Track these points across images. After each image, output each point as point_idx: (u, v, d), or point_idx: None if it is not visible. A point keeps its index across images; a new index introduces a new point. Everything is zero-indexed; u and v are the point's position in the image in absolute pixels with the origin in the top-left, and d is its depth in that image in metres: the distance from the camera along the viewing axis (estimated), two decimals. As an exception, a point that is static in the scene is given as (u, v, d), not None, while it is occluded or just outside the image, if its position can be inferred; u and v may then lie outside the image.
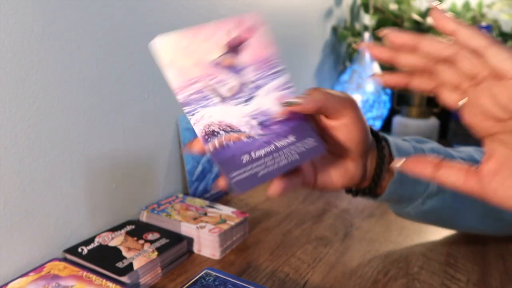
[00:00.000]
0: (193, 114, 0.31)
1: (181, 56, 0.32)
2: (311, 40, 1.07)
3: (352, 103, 0.36)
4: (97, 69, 0.49)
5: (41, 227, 0.45)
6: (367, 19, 1.37)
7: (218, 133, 0.31)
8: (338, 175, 0.38)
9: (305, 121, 0.35)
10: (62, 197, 0.47)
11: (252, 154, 0.31)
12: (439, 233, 0.57)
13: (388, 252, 0.51)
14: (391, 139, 0.43)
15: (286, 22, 0.91)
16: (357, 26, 1.36)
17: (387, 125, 1.20)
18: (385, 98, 1.14)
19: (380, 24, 1.18)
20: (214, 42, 0.33)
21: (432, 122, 1.06)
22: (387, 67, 1.22)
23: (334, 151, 0.37)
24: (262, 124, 0.33)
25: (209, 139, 0.30)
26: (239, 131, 0.32)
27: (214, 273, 0.43)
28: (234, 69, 0.34)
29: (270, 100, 0.35)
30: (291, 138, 0.33)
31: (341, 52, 1.28)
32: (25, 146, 0.42)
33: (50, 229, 0.46)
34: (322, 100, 0.34)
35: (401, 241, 0.54)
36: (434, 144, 0.47)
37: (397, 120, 1.09)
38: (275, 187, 0.33)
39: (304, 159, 0.33)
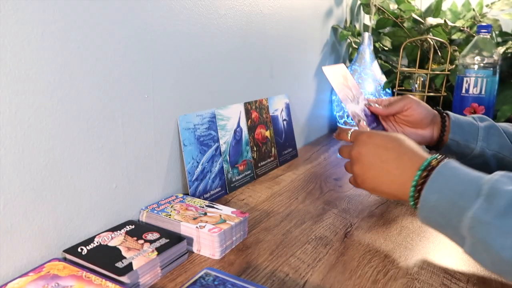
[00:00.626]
0: (346, 104, 0.66)
1: (334, 78, 0.68)
2: (311, 40, 1.07)
3: (409, 102, 0.68)
4: (97, 69, 0.49)
5: (41, 227, 0.45)
6: (367, 19, 1.37)
7: (357, 115, 0.67)
8: (413, 137, 0.67)
9: (377, 117, 0.72)
10: (62, 197, 0.47)
11: (371, 126, 0.69)
12: (439, 233, 0.57)
13: (388, 252, 0.51)
14: (452, 115, 0.70)
15: (286, 22, 0.91)
16: (357, 26, 1.36)
17: (387, 125, 1.19)
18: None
19: (380, 24, 1.19)
20: (340, 73, 0.71)
21: (432, 122, 1.06)
22: (387, 68, 1.22)
23: (410, 124, 0.70)
24: (365, 114, 0.69)
25: (354, 117, 0.65)
26: (361, 117, 0.68)
27: (213, 273, 0.43)
28: (348, 87, 0.70)
29: (363, 104, 0.70)
30: (376, 122, 0.71)
31: (341, 52, 1.28)
32: (25, 146, 0.42)
33: (50, 229, 0.46)
34: (391, 110, 0.70)
35: (401, 241, 0.54)
36: (491, 123, 0.70)
37: (397, 120, 1.09)
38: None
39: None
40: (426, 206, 0.47)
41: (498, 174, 0.45)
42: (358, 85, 0.75)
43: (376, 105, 0.71)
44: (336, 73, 0.70)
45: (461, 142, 0.69)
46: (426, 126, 0.70)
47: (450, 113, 0.71)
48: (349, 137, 0.60)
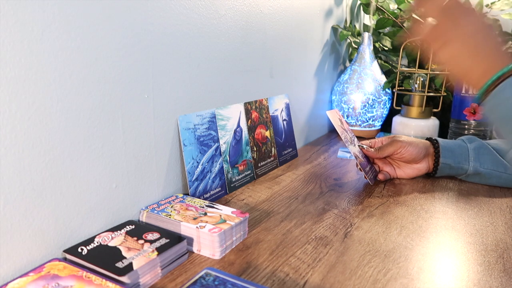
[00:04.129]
0: (348, 146, 0.73)
1: (335, 120, 0.76)
2: (311, 40, 1.07)
3: (399, 147, 0.74)
4: (97, 69, 0.49)
5: (41, 227, 0.45)
6: (367, 19, 1.37)
7: (357, 156, 0.74)
8: (410, 171, 0.78)
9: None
10: (62, 197, 0.47)
11: (367, 167, 0.76)
12: (439, 233, 0.57)
13: (388, 252, 0.51)
14: (441, 140, 0.76)
15: (286, 22, 0.91)
16: (357, 26, 1.36)
17: (387, 125, 1.20)
18: (385, 98, 1.14)
19: (380, 24, 1.19)
20: (337, 117, 0.78)
21: (432, 122, 1.06)
22: (387, 68, 1.22)
23: (404, 162, 0.77)
24: (361, 156, 0.75)
25: (355, 158, 0.72)
26: (359, 157, 0.74)
27: (214, 273, 0.43)
28: (345, 130, 0.77)
29: (357, 145, 0.77)
30: (369, 165, 0.77)
31: (341, 52, 1.28)
32: (25, 146, 0.42)
33: (50, 229, 0.46)
34: (381, 154, 0.76)
35: (401, 241, 0.54)
36: (480, 142, 0.75)
37: (397, 120, 1.09)
38: (382, 176, 0.78)
39: (377, 173, 0.79)
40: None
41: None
42: (350, 128, 0.82)
43: (369, 148, 0.77)
44: (336, 117, 0.77)
45: (453, 165, 0.75)
46: (421, 160, 0.76)
47: (439, 139, 0.77)
48: None
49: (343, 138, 0.73)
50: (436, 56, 0.48)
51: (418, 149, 0.74)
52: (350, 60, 1.33)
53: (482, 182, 0.76)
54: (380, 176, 0.77)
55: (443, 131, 1.07)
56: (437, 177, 0.79)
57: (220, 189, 0.68)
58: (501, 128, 0.44)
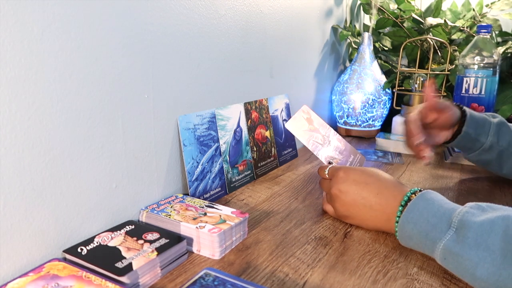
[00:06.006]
0: (317, 153, 0.70)
1: (297, 128, 0.71)
2: (311, 40, 1.07)
3: (449, 105, 0.70)
4: (97, 69, 0.49)
5: (41, 227, 0.45)
6: (367, 19, 1.37)
7: (333, 158, 0.72)
8: (438, 138, 0.73)
9: (352, 147, 0.76)
10: (62, 197, 0.47)
11: (350, 159, 0.75)
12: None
13: (388, 252, 0.51)
14: (468, 109, 0.72)
15: (286, 22, 0.91)
16: (357, 26, 1.36)
17: (387, 125, 1.20)
18: (385, 98, 1.14)
19: (380, 24, 1.19)
20: (303, 118, 0.73)
21: (432, 122, 1.06)
22: (387, 68, 1.22)
23: (439, 127, 0.72)
24: (339, 151, 0.74)
25: (329, 162, 0.70)
26: (335, 157, 0.72)
27: (213, 273, 0.43)
28: (316, 130, 0.73)
29: (335, 140, 0.75)
30: (352, 157, 0.75)
31: (341, 52, 1.28)
32: (25, 146, 0.42)
33: (50, 229, 0.46)
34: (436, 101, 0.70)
35: (401, 241, 0.54)
36: (503, 120, 0.74)
37: (397, 120, 1.09)
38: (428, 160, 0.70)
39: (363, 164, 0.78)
40: (402, 236, 0.49)
41: (468, 205, 0.46)
42: (324, 122, 0.76)
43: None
44: (300, 122, 0.72)
45: (473, 136, 0.72)
46: (451, 127, 0.73)
47: (465, 108, 0.73)
48: (326, 175, 0.60)
49: (310, 147, 0.69)
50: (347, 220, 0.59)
51: (456, 115, 0.71)
52: (350, 60, 1.33)
53: (491, 164, 0.74)
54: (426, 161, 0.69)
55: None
56: (439, 172, 0.78)
57: (220, 189, 0.68)
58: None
